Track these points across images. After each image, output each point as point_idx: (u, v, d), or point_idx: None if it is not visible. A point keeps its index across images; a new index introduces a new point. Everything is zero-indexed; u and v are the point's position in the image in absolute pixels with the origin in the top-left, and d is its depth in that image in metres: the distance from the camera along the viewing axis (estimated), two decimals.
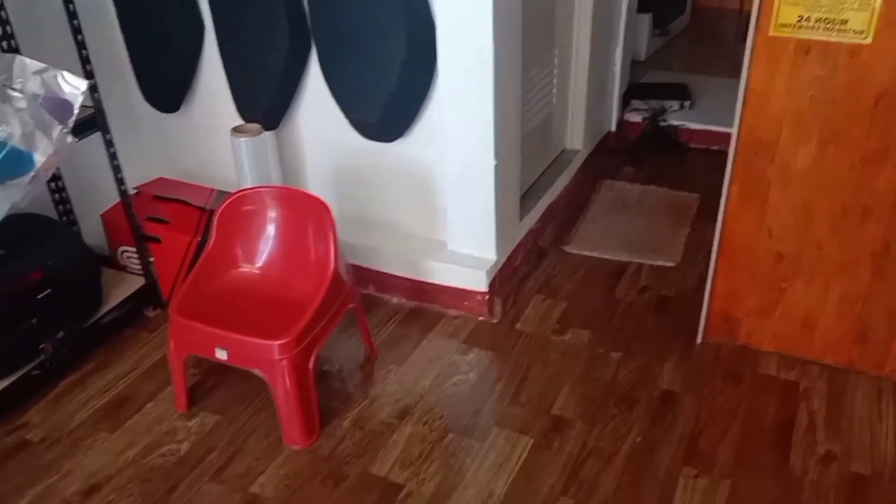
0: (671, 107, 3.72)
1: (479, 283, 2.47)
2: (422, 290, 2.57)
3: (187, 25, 2.57)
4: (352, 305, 2.20)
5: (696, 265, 2.73)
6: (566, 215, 3.06)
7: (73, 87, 2.13)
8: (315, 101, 2.53)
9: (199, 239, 2.50)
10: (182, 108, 2.79)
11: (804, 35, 1.85)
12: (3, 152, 2.02)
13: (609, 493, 1.88)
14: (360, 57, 2.31)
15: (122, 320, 2.49)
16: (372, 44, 2.27)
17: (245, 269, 2.23)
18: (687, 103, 3.75)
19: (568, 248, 2.87)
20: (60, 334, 2.24)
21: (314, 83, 2.50)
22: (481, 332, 2.46)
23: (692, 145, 3.63)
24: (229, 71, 2.56)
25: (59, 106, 2.13)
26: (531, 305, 2.57)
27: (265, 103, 2.55)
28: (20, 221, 2.27)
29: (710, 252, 2.24)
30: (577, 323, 2.48)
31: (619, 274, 2.72)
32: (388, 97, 2.32)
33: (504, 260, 2.58)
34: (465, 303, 2.51)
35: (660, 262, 2.76)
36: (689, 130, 3.62)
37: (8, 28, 2.22)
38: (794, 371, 2.24)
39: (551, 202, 2.97)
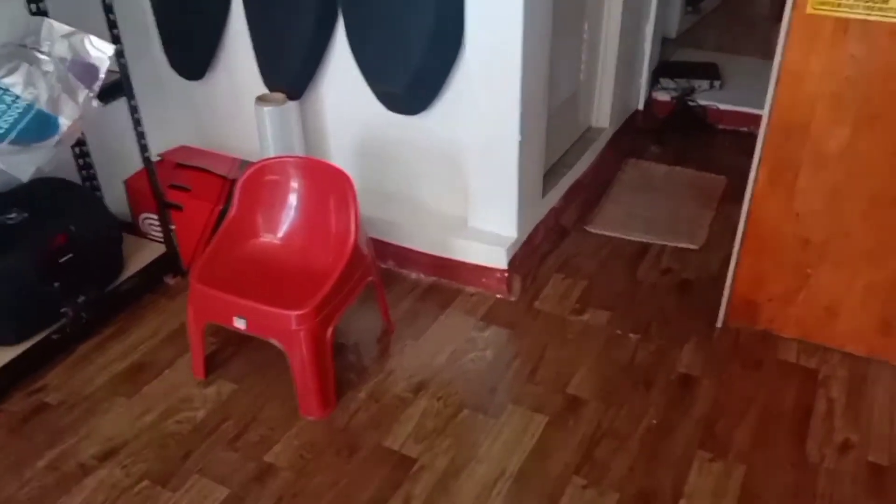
0: (700, 86, 3.66)
1: (498, 260, 2.45)
2: (441, 266, 2.56)
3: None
4: (370, 279, 2.19)
5: (720, 248, 2.69)
6: (590, 194, 3.03)
7: (100, 51, 2.13)
8: (340, 71, 2.51)
9: (221, 207, 2.50)
10: (207, 75, 2.78)
11: (843, 13, 1.80)
12: (30, 115, 2.03)
13: (622, 473, 1.88)
14: (387, 27, 2.29)
15: (143, 287, 2.51)
16: (399, 13, 2.24)
17: (266, 238, 2.23)
18: (717, 83, 3.69)
19: (590, 228, 2.84)
20: (81, 299, 2.26)
21: (340, 53, 2.48)
22: (499, 310, 2.45)
23: (721, 126, 3.57)
24: (255, 39, 2.54)
25: (85, 70, 2.13)
26: (551, 284, 2.55)
27: (290, 73, 2.53)
28: (44, 185, 2.30)
29: (734, 235, 2.21)
30: (597, 303, 2.46)
31: (641, 255, 2.70)
32: (414, 68, 2.30)
33: (525, 238, 2.56)
34: (484, 280, 2.50)
35: (683, 245, 2.73)
36: (718, 111, 3.56)
37: None
38: (814, 358, 2.21)
39: (575, 180, 2.94)
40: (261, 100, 2.41)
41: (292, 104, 2.51)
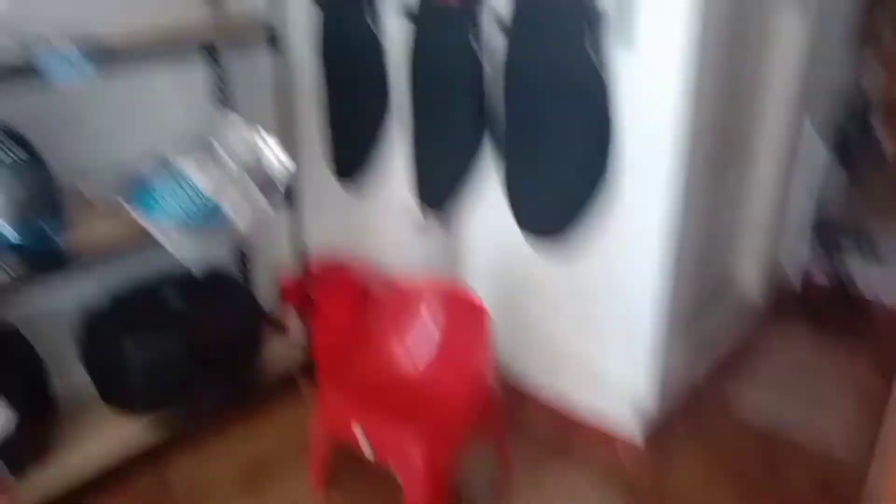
0: (859, 265, 3.44)
1: (628, 422, 2.37)
2: (567, 418, 2.48)
3: (376, 109, 2.67)
4: (495, 419, 2.15)
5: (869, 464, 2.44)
6: (732, 366, 2.87)
7: (282, 165, 2.25)
8: (486, 200, 2.51)
9: (360, 321, 2.55)
10: (363, 183, 2.86)
11: None
12: (208, 208, 2.14)
13: None
14: (538, 171, 2.30)
15: (277, 387, 2.56)
16: (554, 159, 2.24)
17: (400, 360, 2.23)
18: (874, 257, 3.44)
19: (732, 405, 2.67)
20: (217, 389, 2.33)
21: (490, 184, 2.48)
22: (624, 477, 2.33)
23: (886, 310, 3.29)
24: (412, 159, 2.62)
25: (265, 180, 2.25)
26: (679, 455, 2.41)
27: (440, 197, 2.58)
28: (205, 274, 2.40)
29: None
30: (724, 484, 2.29)
31: (781, 448, 2.48)
32: (575, 217, 2.29)
33: (658, 403, 2.44)
34: (612, 440, 2.41)
35: (831, 448, 2.48)
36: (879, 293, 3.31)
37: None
38: None
39: (718, 347, 2.81)
40: (410, 217, 2.45)
41: (440, 229, 2.55)
